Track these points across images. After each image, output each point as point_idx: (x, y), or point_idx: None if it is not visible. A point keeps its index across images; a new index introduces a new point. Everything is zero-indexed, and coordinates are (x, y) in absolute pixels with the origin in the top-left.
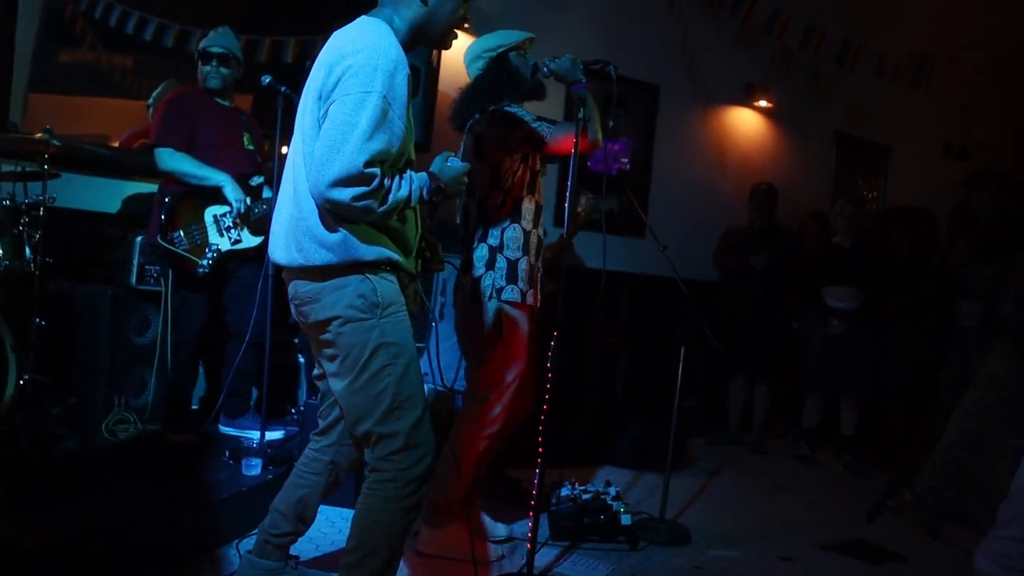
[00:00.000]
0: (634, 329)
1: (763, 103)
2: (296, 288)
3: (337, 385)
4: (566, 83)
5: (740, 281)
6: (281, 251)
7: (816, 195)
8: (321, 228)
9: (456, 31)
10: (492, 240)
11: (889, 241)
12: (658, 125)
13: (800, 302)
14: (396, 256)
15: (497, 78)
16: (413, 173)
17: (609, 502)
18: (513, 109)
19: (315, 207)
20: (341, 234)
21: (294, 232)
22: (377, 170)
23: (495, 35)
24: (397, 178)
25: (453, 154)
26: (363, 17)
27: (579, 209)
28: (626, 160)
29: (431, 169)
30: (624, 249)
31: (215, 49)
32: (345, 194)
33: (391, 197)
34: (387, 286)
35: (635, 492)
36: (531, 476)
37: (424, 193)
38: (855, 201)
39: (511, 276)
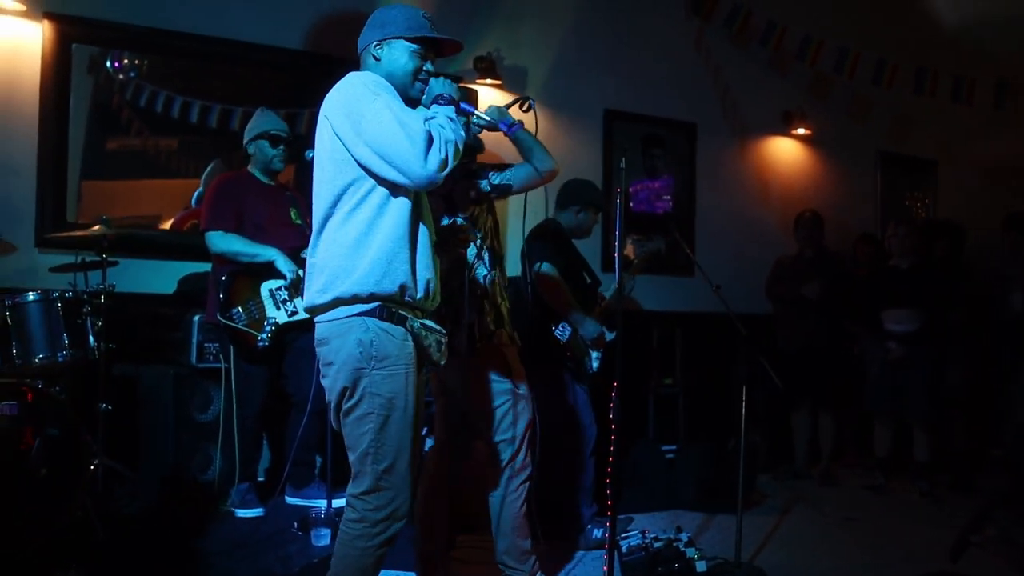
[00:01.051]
0: (690, 368)
1: (801, 130)
2: (316, 330)
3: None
4: (497, 129)
5: (794, 311)
6: (306, 297)
7: (864, 217)
8: (332, 270)
9: (423, 84)
10: (478, 288)
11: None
12: (698, 162)
13: (858, 327)
14: (400, 308)
15: None
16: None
17: (682, 549)
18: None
19: (329, 251)
20: (349, 278)
21: (311, 275)
22: (426, 135)
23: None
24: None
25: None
26: None
27: (633, 257)
28: (669, 197)
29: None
30: (674, 288)
31: (281, 133)
32: (440, 171)
33: (446, 136)
34: (387, 340)
35: (707, 536)
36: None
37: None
38: (907, 221)
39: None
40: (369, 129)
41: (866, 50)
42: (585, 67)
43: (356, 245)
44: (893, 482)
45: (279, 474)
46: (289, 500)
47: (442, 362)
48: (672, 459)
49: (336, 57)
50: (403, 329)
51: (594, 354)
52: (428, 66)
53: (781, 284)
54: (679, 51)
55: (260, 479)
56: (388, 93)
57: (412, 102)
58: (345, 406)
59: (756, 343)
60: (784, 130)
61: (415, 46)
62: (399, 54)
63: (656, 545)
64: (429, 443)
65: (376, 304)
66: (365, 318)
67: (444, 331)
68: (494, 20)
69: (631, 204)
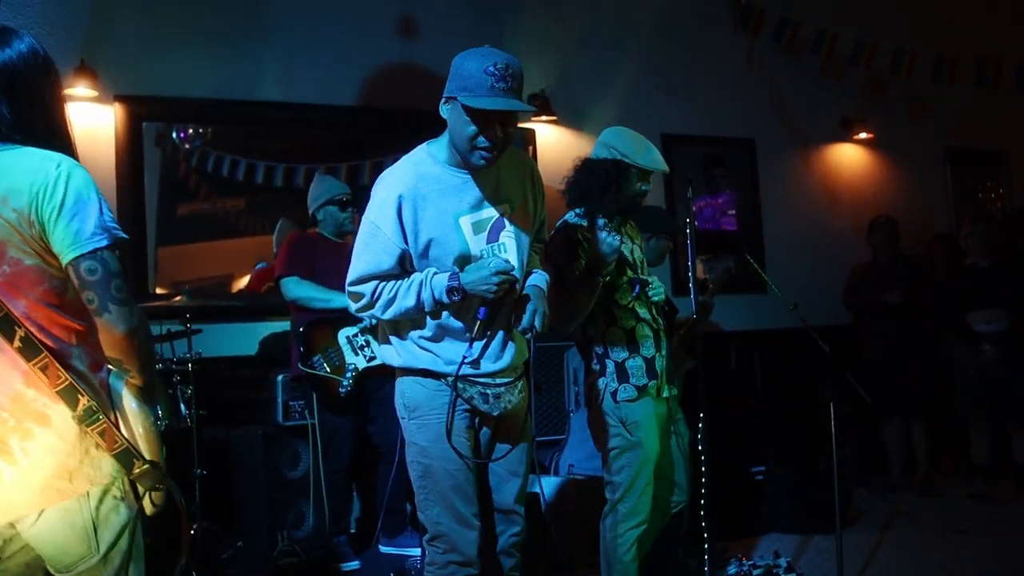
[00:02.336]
0: (772, 386)
1: (863, 135)
2: None
3: None
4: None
5: (875, 320)
6: None
7: (937, 217)
8: (384, 334)
9: (484, 151)
10: (597, 346)
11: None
12: (760, 179)
13: (944, 331)
14: (429, 365)
15: (606, 180)
16: (433, 277)
17: (783, 575)
18: (575, 221)
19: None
20: (392, 340)
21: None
22: (362, 288)
23: (642, 148)
24: (402, 285)
25: (501, 254)
26: None
27: (704, 277)
28: (733, 212)
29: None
30: (748, 307)
31: (347, 196)
32: (352, 306)
33: (395, 305)
34: (418, 391)
35: (806, 559)
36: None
37: (442, 295)
38: (983, 218)
39: (622, 376)
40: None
41: (922, 48)
42: (638, 94)
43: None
44: (996, 489)
45: (371, 524)
46: (383, 549)
47: (494, 413)
48: (761, 481)
49: (388, 110)
50: (436, 381)
51: None
52: (482, 141)
53: (859, 294)
54: (731, 68)
55: (352, 530)
56: (387, 220)
57: (476, 168)
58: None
59: (840, 358)
60: (845, 136)
61: (468, 108)
62: (456, 116)
63: (756, 573)
64: None
65: (413, 359)
66: (403, 375)
67: (498, 382)
68: (544, 57)
69: (696, 223)
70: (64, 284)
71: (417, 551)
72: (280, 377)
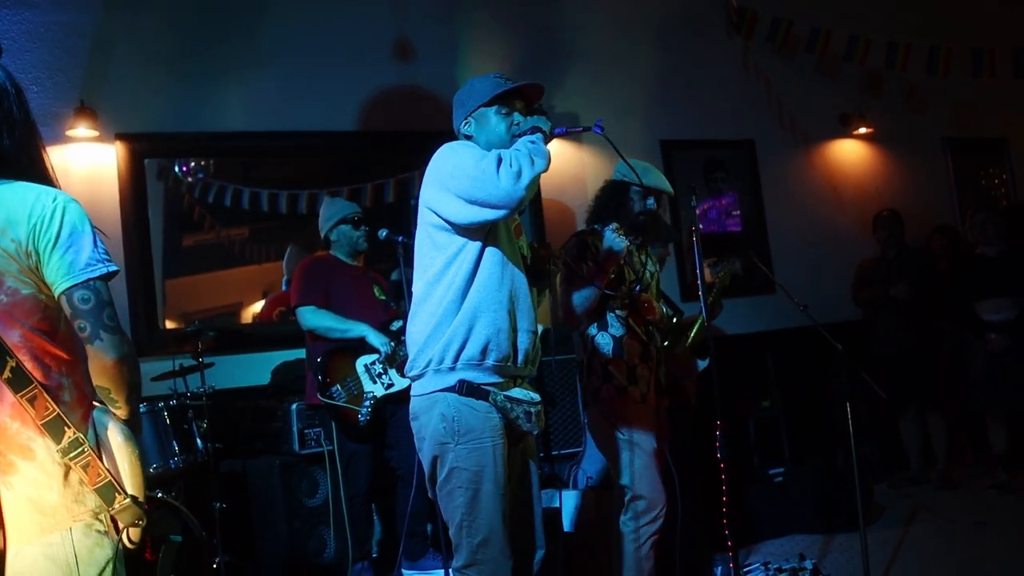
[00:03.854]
0: (786, 387)
1: (862, 129)
2: (410, 404)
3: None
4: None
5: (884, 314)
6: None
7: (941, 208)
8: (418, 345)
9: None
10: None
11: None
12: (762, 179)
13: (952, 322)
14: (483, 378)
15: (609, 200)
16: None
17: None
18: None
19: (415, 325)
20: (430, 352)
21: (407, 350)
22: (495, 158)
23: (646, 169)
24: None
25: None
26: None
27: (713, 278)
28: (738, 213)
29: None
30: (757, 308)
31: (359, 215)
32: (514, 182)
33: (527, 158)
34: (470, 414)
35: (831, 558)
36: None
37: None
38: (986, 207)
39: (606, 376)
40: (451, 180)
41: (916, 40)
42: (635, 102)
43: (438, 321)
44: (1018, 478)
45: (392, 547)
46: (406, 573)
47: (535, 432)
48: (781, 482)
49: (387, 132)
50: (486, 403)
51: None
52: (517, 117)
53: (867, 288)
54: (727, 72)
55: (374, 555)
56: (469, 148)
57: None
58: (438, 480)
59: (853, 356)
60: (845, 132)
61: (495, 107)
62: (486, 121)
63: None
64: None
65: (457, 380)
66: (447, 394)
67: (537, 399)
68: (541, 70)
69: (701, 226)
70: (57, 315)
71: (440, 572)
72: (294, 406)
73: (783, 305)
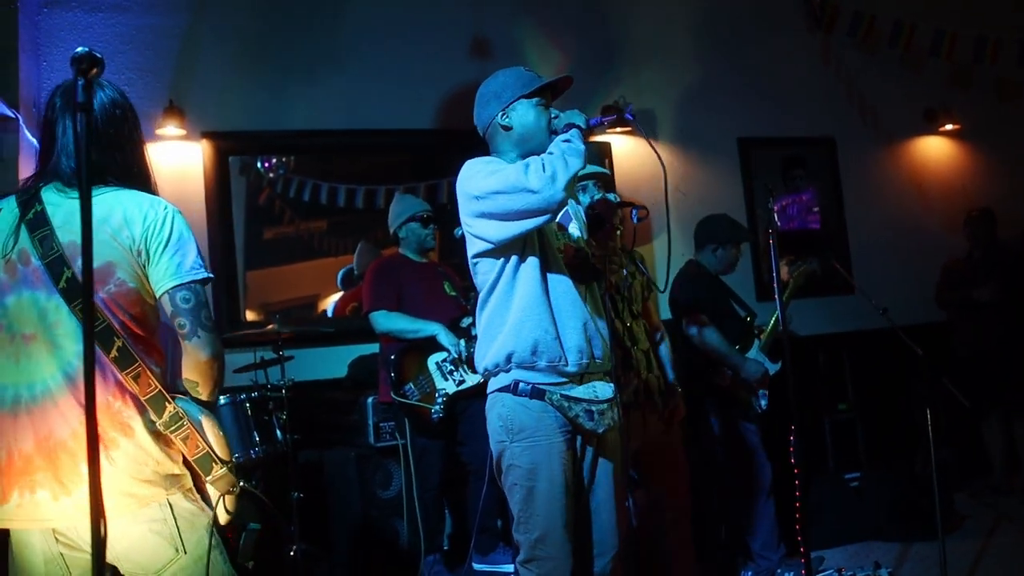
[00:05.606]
0: (864, 390)
1: (949, 126)
2: None
3: None
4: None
5: (970, 317)
6: None
7: None
8: (481, 347)
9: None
10: None
11: None
12: (842, 177)
13: None
14: (538, 378)
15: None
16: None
17: None
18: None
19: (480, 329)
20: (488, 353)
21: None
22: (525, 165)
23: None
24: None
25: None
26: None
27: (788, 277)
28: (817, 210)
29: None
30: (835, 309)
31: (428, 212)
32: (550, 183)
33: (560, 160)
34: (523, 413)
35: (908, 568)
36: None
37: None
38: None
39: None
40: (483, 202)
41: (1005, 32)
42: (712, 99)
43: (491, 325)
44: None
45: (463, 541)
46: (477, 567)
47: (599, 430)
48: (857, 487)
49: (462, 130)
50: (540, 402)
51: (761, 391)
52: (553, 111)
53: (952, 290)
54: (807, 67)
55: (446, 547)
56: (491, 163)
57: None
58: (501, 475)
59: (935, 361)
60: (930, 129)
61: (535, 99)
62: (524, 113)
63: None
64: None
65: (512, 380)
66: (503, 394)
67: (603, 397)
68: (616, 67)
69: (779, 223)
70: (152, 310)
71: (510, 567)
72: (370, 400)
73: (862, 306)
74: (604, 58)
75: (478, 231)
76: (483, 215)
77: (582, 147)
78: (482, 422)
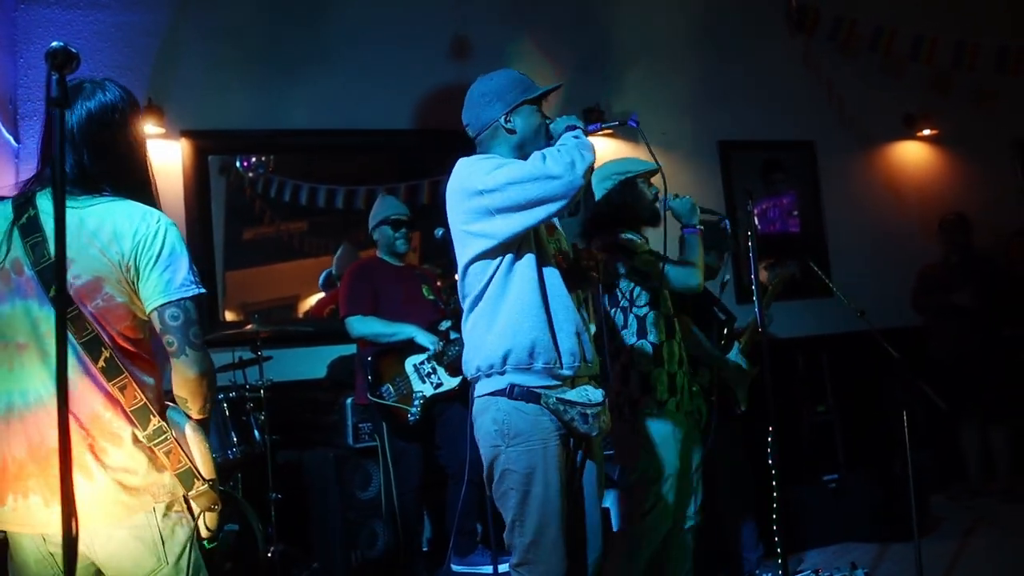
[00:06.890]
0: (842, 392)
1: (927, 131)
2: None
3: None
4: (680, 223)
5: (946, 321)
6: None
7: (1012, 212)
8: (469, 349)
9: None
10: (623, 356)
11: None
12: (821, 180)
13: (1020, 328)
14: (534, 381)
15: (623, 201)
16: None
17: None
18: (629, 236)
19: (467, 329)
20: (479, 356)
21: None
22: (541, 155)
23: (627, 160)
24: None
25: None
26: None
27: (768, 282)
28: (797, 213)
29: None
30: (814, 312)
31: (402, 216)
32: (571, 170)
33: (575, 150)
34: (519, 417)
35: (884, 568)
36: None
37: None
38: None
39: (645, 388)
40: (492, 196)
41: (984, 39)
42: (693, 102)
43: (484, 325)
44: None
45: (442, 543)
46: (455, 568)
47: (593, 433)
48: (835, 489)
49: (444, 130)
50: (536, 406)
51: (741, 393)
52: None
53: (928, 295)
54: (787, 71)
55: (424, 549)
56: (492, 159)
57: None
58: (493, 481)
59: (912, 366)
60: (909, 134)
61: (535, 105)
62: (528, 117)
63: None
64: None
65: (507, 384)
66: (498, 398)
67: (595, 400)
68: (598, 70)
69: (759, 226)
70: (143, 326)
71: (489, 568)
72: (349, 400)
73: (841, 309)
74: (587, 61)
75: (481, 229)
76: (491, 210)
77: (590, 142)
78: (460, 425)
